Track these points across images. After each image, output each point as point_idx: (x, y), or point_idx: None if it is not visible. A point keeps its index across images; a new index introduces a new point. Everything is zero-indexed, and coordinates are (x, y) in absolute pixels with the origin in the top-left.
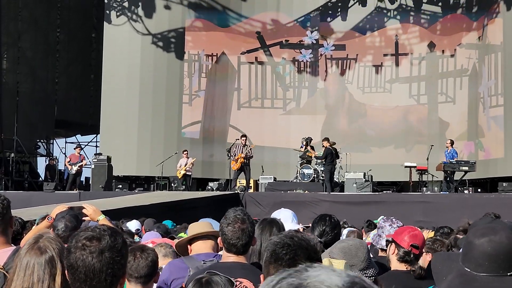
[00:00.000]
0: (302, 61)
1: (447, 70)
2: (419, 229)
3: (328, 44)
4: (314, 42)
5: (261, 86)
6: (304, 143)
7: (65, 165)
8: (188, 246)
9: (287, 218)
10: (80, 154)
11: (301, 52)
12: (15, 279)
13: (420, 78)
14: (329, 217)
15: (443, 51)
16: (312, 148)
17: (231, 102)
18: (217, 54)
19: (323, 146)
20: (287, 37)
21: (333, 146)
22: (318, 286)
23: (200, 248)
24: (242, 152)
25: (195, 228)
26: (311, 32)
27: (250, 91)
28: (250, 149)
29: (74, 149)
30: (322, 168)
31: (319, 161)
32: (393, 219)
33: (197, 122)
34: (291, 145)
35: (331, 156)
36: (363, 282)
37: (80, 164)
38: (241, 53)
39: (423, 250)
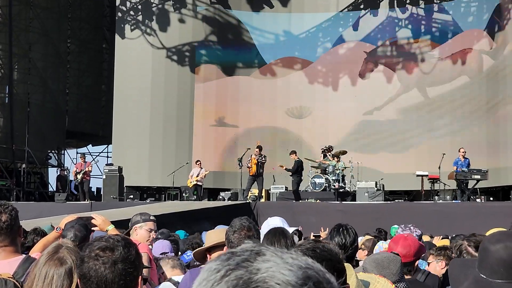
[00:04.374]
0: None
1: None
2: (411, 237)
3: None
4: None
5: None
6: (326, 151)
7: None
8: (207, 254)
9: (278, 225)
10: (86, 162)
11: None
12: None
13: None
14: (346, 229)
15: None
16: (334, 156)
17: None
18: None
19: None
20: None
21: (341, 155)
22: (269, 282)
23: None
24: (255, 157)
25: (213, 236)
26: None
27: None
28: (264, 156)
29: (80, 158)
30: (335, 177)
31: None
32: (412, 227)
33: None
34: None
35: (300, 168)
36: (317, 275)
37: (84, 171)
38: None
39: (435, 259)
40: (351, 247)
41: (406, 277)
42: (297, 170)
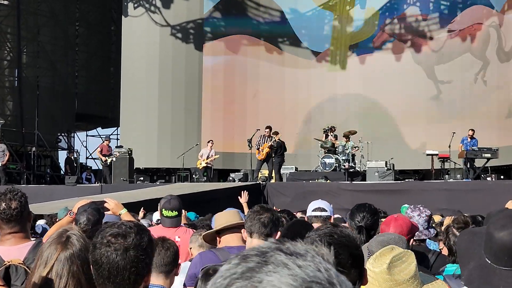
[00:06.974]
0: None
1: None
2: (401, 217)
3: None
4: None
5: None
6: (328, 131)
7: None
8: (217, 237)
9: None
10: (110, 146)
11: None
12: (35, 273)
13: None
14: (368, 205)
15: None
16: (336, 137)
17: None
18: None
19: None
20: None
21: (351, 135)
22: None
23: (232, 240)
24: (267, 142)
25: (222, 218)
26: None
27: None
28: (275, 140)
29: (105, 140)
30: (334, 160)
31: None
32: (421, 208)
33: None
34: None
35: (283, 149)
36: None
37: (113, 155)
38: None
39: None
40: (371, 219)
41: None
42: (277, 151)
